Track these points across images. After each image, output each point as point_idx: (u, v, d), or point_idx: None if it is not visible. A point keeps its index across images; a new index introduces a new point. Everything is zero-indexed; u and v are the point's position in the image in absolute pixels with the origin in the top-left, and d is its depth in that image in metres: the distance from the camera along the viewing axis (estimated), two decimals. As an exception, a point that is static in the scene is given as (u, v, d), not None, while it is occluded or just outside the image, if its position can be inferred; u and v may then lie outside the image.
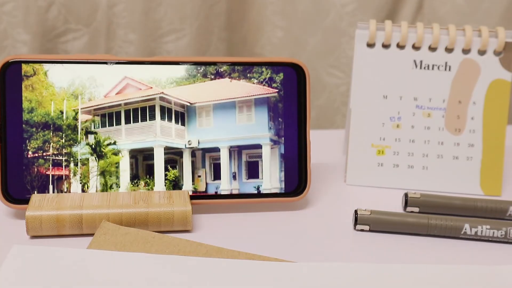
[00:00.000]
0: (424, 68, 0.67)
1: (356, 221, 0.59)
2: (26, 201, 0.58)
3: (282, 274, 0.51)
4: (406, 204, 0.63)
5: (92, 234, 0.56)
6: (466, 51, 0.66)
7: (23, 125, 0.59)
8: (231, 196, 0.62)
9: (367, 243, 0.58)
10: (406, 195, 0.63)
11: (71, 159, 0.60)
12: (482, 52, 0.66)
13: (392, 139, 0.68)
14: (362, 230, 0.60)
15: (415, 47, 0.67)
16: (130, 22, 1.02)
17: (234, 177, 0.62)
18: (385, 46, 0.67)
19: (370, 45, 0.67)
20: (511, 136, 0.73)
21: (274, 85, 0.62)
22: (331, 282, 0.50)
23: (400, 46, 0.67)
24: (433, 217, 0.59)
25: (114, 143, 0.60)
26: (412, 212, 0.62)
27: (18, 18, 0.97)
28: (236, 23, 1.08)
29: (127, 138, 0.61)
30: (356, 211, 0.59)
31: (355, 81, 0.68)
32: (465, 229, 0.58)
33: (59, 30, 1.00)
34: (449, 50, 0.66)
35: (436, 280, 0.51)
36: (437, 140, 0.68)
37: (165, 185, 0.61)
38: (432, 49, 0.67)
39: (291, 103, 0.62)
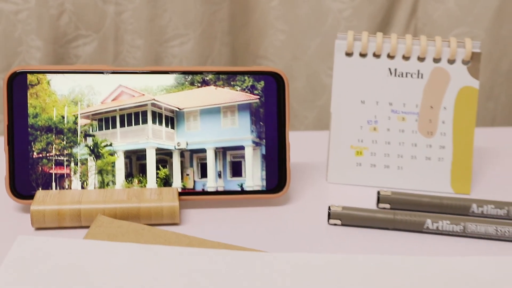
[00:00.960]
0: (398, 75, 0.71)
1: (329, 216, 0.65)
2: (31, 196, 0.63)
3: (256, 262, 0.55)
4: (379, 201, 0.68)
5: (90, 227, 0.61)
6: (436, 60, 0.70)
7: (29, 129, 0.63)
8: (216, 193, 0.66)
9: (338, 236, 0.63)
10: (378, 192, 0.68)
11: (72, 159, 0.64)
12: (451, 61, 0.70)
13: (369, 141, 0.73)
14: (335, 224, 0.65)
15: (390, 56, 0.71)
16: (137, 28, 1.06)
17: (220, 176, 0.66)
18: (362, 55, 0.71)
19: (349, 54, 0.71)
20: (478, 138, 0.77)
21: (256, 92, 0.66)
22: (300, 271, 0.55)
23: (376, 55, 0.71)
24: (398, 213, 0.64)
25: (110, 144, 0.65)
26: (384, 208, 0.68)
27: (32, 26, 1.02)
28: (239, 28, 1.12)
29: (122, 140, 0.65)
30: (329, 207, 0.65)
31: (335, 87, 0.72)
32: (427, 224, 0.63)
33: (70, 36, 1.04)
34: (421, 59, 0.70)
35: (397, 270, 0.55)
36: (411, 142, 0.72)
37: (156, 183, 0.66)
38: (406, 58, 0.71)
39: (271, 108, 0.66)
